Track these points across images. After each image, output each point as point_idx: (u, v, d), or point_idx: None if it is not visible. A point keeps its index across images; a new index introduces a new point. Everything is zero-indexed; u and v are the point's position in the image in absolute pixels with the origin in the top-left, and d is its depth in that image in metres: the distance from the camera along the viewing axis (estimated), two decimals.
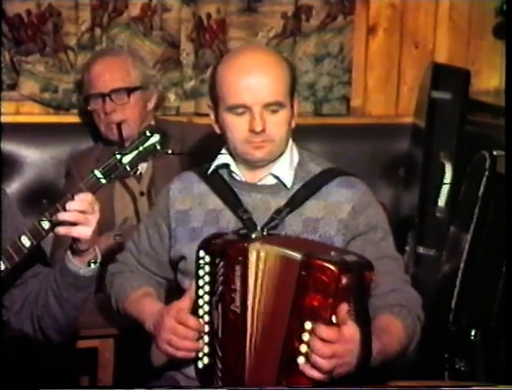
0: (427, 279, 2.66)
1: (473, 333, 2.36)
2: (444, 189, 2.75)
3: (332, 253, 1.71)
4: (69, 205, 1.68)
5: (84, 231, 1.70)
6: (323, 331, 1.65)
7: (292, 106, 1.91)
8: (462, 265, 2.45)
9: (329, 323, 1.65)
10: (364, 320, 1.69)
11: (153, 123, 2.68)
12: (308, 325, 1.67)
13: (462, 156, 2.74)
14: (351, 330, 1.66)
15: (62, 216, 1.68)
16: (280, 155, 1.93)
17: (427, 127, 2.86)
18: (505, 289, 2.26)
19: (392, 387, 1.87)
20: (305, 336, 1.67)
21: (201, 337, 1.82)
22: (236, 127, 1.88)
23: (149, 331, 1.90)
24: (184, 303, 1.83)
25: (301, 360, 1.67)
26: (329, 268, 1.65)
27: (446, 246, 2.60)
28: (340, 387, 1.69)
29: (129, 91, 2.60)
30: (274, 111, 1.87)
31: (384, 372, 1.80)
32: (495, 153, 2.46)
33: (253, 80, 1.86)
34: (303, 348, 1.67)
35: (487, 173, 2.44)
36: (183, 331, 1.80)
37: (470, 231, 2.45)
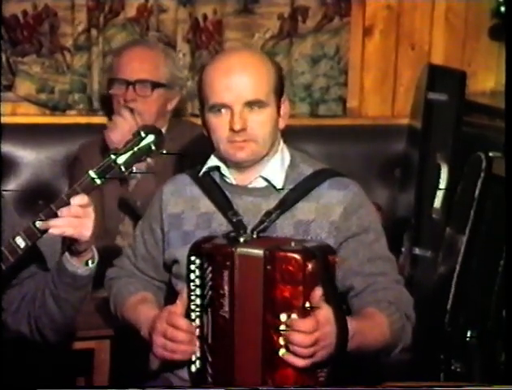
0: (423, 280, 2.67)
1: (469, 334, 2.36)
2: (440, 190, 2.75)
3: (292, 243, 1.74)
4: (62, 212, 1.68)
5: (81, 234, 1.70)
6: (300, 323, 1.66)
7: (278, 107, 1.91)
8: (458, 266, 2.45)
9: (303, 311, 1.67)
10: (334, 301, 1.71)
11: (166, 123, 2.65)
12: (283, 317, 1.69)
13: (458, 157, 2.74)
14: (325, 312, 1.67)
15: (54, 223, 1.68)
16: (270, 157, 1.93)
17: (423, 128, 2.86)
18: (501, 290, 2.27)
19: (388, 388, 1.87)
20: (282, 328, 1.69)
21: (196, 339, 1.82)
22: (218, 127, 1.88)
23: (145, 337, 1.89)
24: (176, 307, 1.83)
25: (281, 351, 1.69)
26: (293, 257, 1.69)
27: (442, 247, 2.60)
28: (340, 387, 1.69)
29: (154, 85, 2.58)
30: (255, 110, 1.86)
31: (377, 371, 1.80)
32: (491, 154, 2.46)
33: (234, 79, 1.86)
34: (282, 340, 1.69)
35: (483, 174, 2.44)
36: (175, 334, 1.80)
37: (466, 233, 2.45)
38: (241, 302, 1.76)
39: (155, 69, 2.60)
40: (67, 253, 1.77)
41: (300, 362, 1.67)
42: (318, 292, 1.68)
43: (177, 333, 1.80)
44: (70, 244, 1.76)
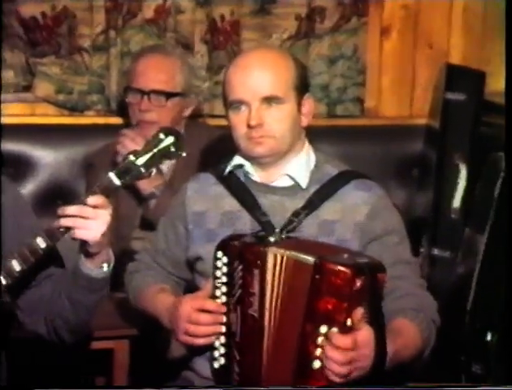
0: (442, 280, 2.65)
1: (489, 336, 2.35)
2: (459, 191, 2.74)
3: (345, 255, 1.70)
4: (72, 210, 1.67)
5: (89, 235, 1.68)
6: (338, 338, 1.64)
7: (299, 104, 1.91)
8: (477, 267, 2.44)
9: (344, 327, 1.64)
10: (378, 323, 1.68)
11: (182, 127, 2.65)
12: (323, 329, 1.66)
13: (476, 157, 2.73)
14: (366, 334, 1.65)
15: (64, 221, 1.67)
16: (293, 155, 1.93)
17: (441, 128, 2.86)
18: None
19: (407, 389, 1.87)
20: (320, 340, 1.66)
21: (221, 321, 1.82)
22: (237, 123, 1.89)
23: (167, 326, 1.89)
24: (199, 293, 1.84)
25: (316, 363, 1.67)
26: (343, 271, 1.65)
27: (461, 248, 2.59)
28: (345, 387, 1.68)
29: (168, 95, 2.59)
30: (273, 106, 1.87)
31: (399, 375, 1.80)
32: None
33: (250, 75, 1.87)
34: (318, 351, 1.67)
35: (502, 174, 2.43)
36: (198, 317, 1.80)
37: (485, 233, 2.43)
38: (281, 305, 1.74)
39: (170, 79, 2.61)
40: (82, 256, 1.76)
41: (332, 379, 1.65)
42: (359, 311, 1.64)
43: (202, 316, 1.80)
44: (84, 246, 1.74)
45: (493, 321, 2.36)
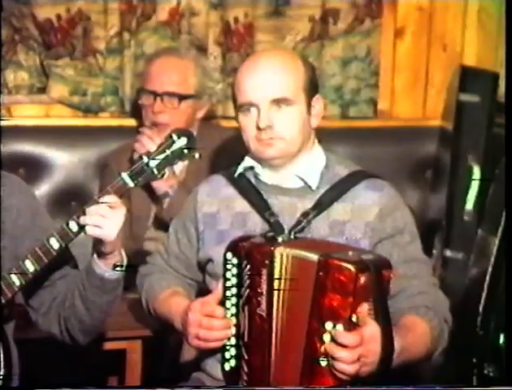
0: (455, 282, 2.65)
1: (502, 337, 2.34)
2: (472, 192, 2.74)
3: (350, 252, 1.71)
4: (90, 209, 1.69)
5: (106, 234, 1.71)
6: (344, 336, 1.64)
7: (309, 106, 1.91)
8: (489, 268, 2.43)
9: (349, 323, 1.65)
10: (384, 318, 1.68)
11: (195, 128, 2.66)
12: (329, 325, 1.67)
13: (489, 159, 2.72)
14: (372, 330, 1.65)
15: (83, 219, 1.70)
16: (303, 156, 1.93)
17: (455, 129, 2.85)
18: None
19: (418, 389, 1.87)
20: (326, 337, 1.67)
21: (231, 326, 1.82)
22: (247, 125, 1.90)
23: (179, 329, 1.90)
24: (209, 297, 1.84)
25: (322, 361, 1.68)
26: (347, 268, 1.66)
27: (474, 249, 2.58)
28: (354, 387, 1.68)
29: (181, 97, 2.61)
30: (283, 108, 1.87)
31: (410, 372, 1.80)
32: None
33: (259, 77, 1.88)
34: (324, 349, 1.67)
35: None
36: (209, 322, 1.80)
37: (498, 235, 2.43)
38: (288, 304, 1.75)
39: (184, 81, 2.62)
40: (95, 256, 1.77)
41: (341, 377, 1.66)
42: (364, 307, 1.65)
43: (212, 321, 1.80)
44: (96, 246, 1.76)
45: (506, 323, 2.35)
